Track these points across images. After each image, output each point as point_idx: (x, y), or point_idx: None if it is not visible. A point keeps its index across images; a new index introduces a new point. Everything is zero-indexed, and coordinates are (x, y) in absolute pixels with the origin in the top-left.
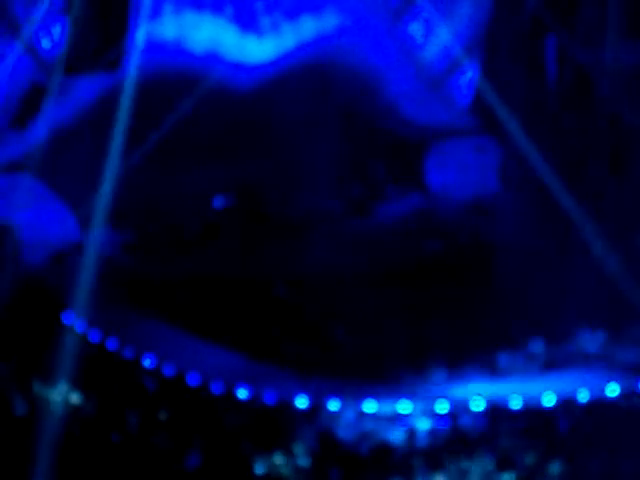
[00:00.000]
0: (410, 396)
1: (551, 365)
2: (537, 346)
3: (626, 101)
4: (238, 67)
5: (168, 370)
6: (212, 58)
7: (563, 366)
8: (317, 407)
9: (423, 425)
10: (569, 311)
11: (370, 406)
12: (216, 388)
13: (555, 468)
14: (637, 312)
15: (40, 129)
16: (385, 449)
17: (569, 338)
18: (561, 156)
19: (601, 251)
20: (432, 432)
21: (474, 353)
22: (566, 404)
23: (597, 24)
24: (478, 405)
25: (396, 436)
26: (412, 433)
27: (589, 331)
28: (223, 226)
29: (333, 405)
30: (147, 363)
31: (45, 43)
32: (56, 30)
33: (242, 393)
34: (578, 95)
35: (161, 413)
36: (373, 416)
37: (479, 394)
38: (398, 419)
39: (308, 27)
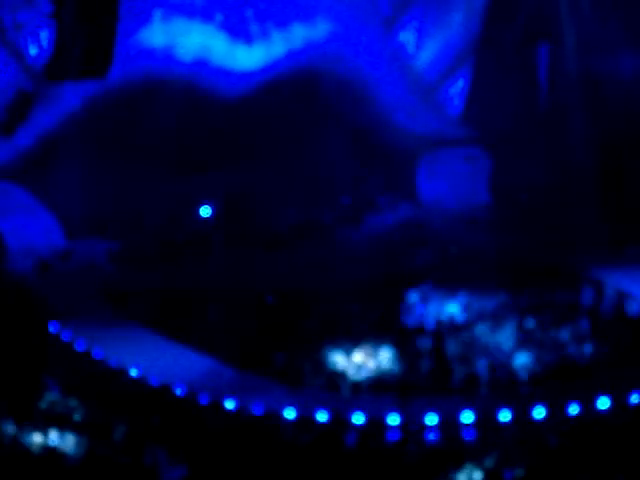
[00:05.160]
0: (398, 409)
1: None
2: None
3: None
4: (227, 74)
5: (154, 380)
6: (201, 65)
7: None
8: (305, 419)
9: (412, 436)
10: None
11: (358, 418)
12: (203, 399)
13: None
14: None
15: (26, 136)
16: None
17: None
18: (553, 163)
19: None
20: (420, 443)
21: (465, 366)
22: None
23: (593, 33)
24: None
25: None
26: (400, 444)
27: None
28: (210, 236)
29: (321, 417)
30: (133, 373)
31: (32, 49)
32: (43, 36)
33: (229, 404)
34: (570, 104)
35: (147, 424)
36: (360, 428)
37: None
38: (387, 431)
39: (298, 35)
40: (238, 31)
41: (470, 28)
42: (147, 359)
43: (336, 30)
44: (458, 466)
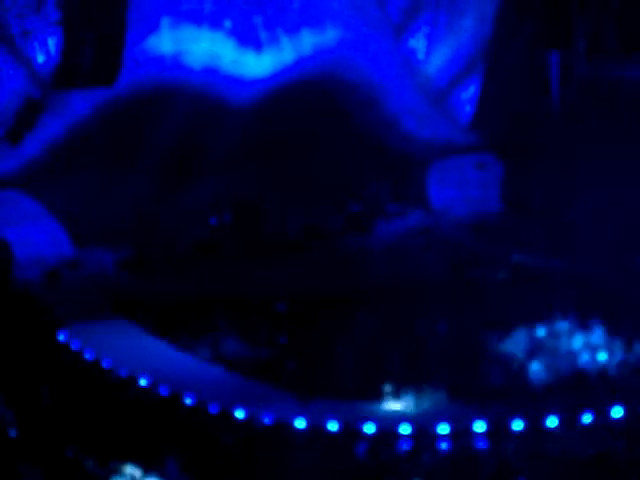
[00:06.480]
0: (409, 418)
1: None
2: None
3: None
4: (237, 82)
5: (164, 390)
6: (210, 72)
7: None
8: (315, 428)
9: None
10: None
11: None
12: (213, 408)
13: None
14: None
15: (34, 144)
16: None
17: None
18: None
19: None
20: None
21: (474, 374)
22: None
23: (598, 39)
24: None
25: (396, 456)
26: (412, 453)
27: None
28: (220, 243)
29: (332, 426)
30: (143, 382)
31: (40, 57)
32: (51, 43)
33: (239, 413)
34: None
35: (156, 433)
36: (370, 437)
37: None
38: (398, 440)
39: (308, 42)
40: (247, 38)
41: (481, 34)
42: (156, 368)
43: (345, 36)
44: (470, 474)
